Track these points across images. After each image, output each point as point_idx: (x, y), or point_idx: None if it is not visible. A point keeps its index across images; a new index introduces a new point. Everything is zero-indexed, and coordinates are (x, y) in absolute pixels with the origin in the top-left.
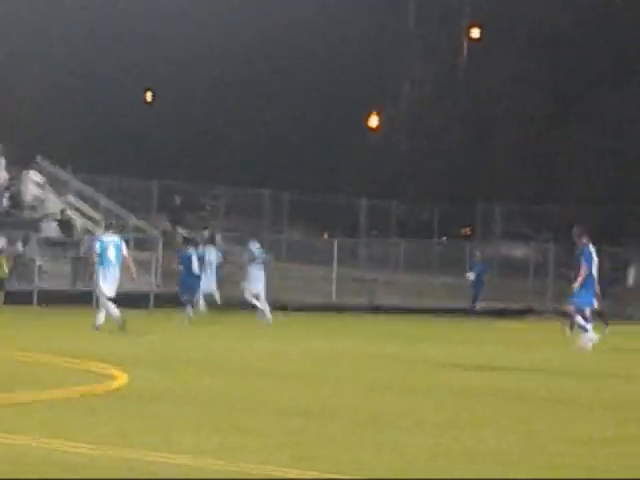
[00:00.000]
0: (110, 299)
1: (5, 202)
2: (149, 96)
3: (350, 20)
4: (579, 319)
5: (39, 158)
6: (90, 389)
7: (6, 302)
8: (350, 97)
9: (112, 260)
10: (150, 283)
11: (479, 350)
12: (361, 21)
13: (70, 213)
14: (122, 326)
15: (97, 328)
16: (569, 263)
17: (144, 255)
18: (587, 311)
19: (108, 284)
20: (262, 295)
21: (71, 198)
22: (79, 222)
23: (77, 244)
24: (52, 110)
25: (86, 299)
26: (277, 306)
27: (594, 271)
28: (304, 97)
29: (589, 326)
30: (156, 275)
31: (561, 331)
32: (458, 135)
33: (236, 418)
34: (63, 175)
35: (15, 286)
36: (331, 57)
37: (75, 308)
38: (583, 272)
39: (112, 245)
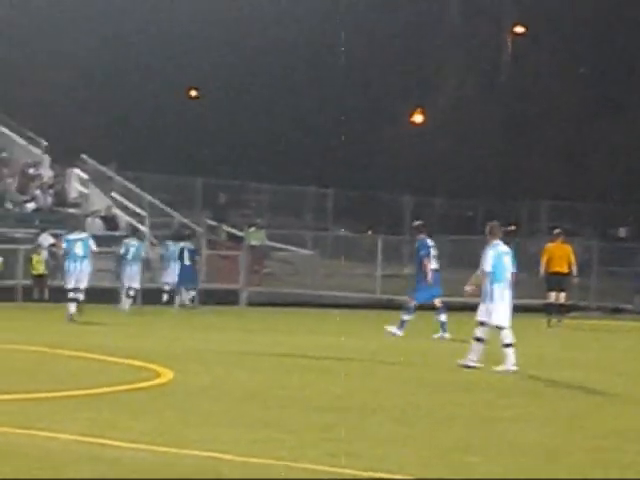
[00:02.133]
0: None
1: (50, 199)
2: (194, 93)
3: (394, 16)
4: (443, 315)
5: (84, 156)
6: (134, 386)
7: (48, 299)
8: (394, 93)
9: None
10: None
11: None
12: (405, 16)
13: (115, 210)
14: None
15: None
16: (613, 260)
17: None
18: (437, 302)
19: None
20: None
21: (116, 195)
22: (124, 219)
23: (121, 241)
24: (96, 108)
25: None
26: (321, 303)
27: (434, 265)
28: (348, 93)
29: (443, 317)
30: (199, 272)
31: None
32: (502, 131)
33: (271, 414)
34: (108, 172)
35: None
36: (374, 53)
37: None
38: (427, 266)
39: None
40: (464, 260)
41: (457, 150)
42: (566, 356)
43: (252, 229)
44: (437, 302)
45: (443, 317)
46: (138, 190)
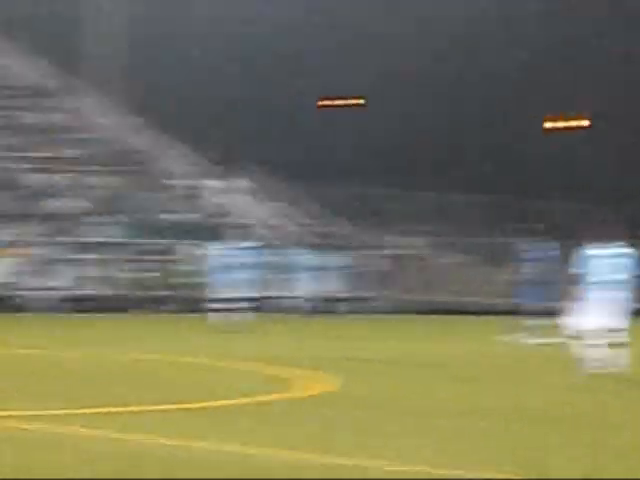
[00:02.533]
0: None
1: (212, 210)
2: (360, 102)
3: (529, 23)
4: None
5: (246, 165)
6: (294, 395)
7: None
8: (531, 101)
9: None
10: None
11: None
12: (540, 25)
13: (279, 220)
14: None
15: None
16: None
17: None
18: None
19: None
20: None
21: (280, 205)
22: (288, 229)
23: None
24: (260, 118)
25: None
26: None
27: None
28: (488, 104)
29: None
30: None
31: None
32: None
33: (420, 421)
34: (271, 182)
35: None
36: (513, 61)
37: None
38: None
39: None
40: None
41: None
42: None
43: None
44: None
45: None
46: (303, 200)
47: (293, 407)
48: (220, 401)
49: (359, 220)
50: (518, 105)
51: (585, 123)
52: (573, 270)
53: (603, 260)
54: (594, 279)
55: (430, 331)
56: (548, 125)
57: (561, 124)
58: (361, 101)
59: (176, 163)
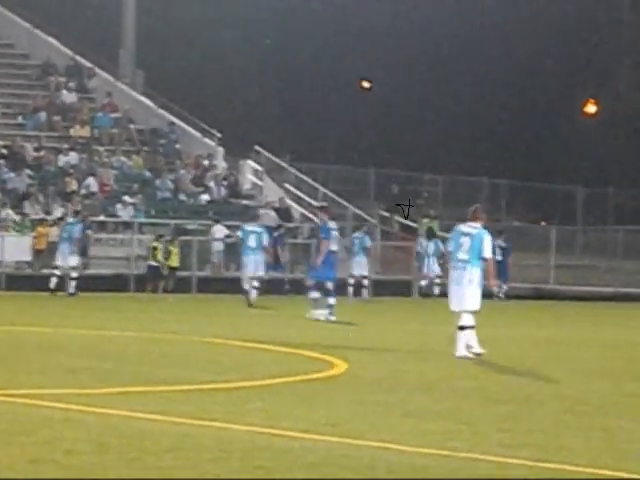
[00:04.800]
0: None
1: (223, 191)
2: (366, 84)
3: (566, 7)
4: (314, 294)
5: (257, 147)
6: (307, 376)
7: (216, 291)
8: (566, 84)
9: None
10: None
11: None
12: (578, 8)
13: (288, 201)
14: None
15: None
16: None
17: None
18: (329, 284)
19: None
20: None
21: (289, 187)
22: (297, 210)
23: (295, 232)
24: (270, 100)
25: (302, 287)
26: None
27: (334, 247)
28: (520, 85)
29: (332, 300)
30: (374, 262)
31: None
32: None
33: (446, 405)
34: (281, 164)
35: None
36: (547, 43)
37: (290, 296)
38: (323, 248)
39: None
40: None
41: (631, 141)
42: None
43: (426, 220)
44: (329, 284)
45: (332, 300)
46: (311, 181)
47: (311, 388)
48: (242, 382)
49: (369, 202)
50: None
51: None
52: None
53: (460, 237)
54: (453, 256)
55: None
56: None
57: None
58: (367, 84)
59: (191, 144)
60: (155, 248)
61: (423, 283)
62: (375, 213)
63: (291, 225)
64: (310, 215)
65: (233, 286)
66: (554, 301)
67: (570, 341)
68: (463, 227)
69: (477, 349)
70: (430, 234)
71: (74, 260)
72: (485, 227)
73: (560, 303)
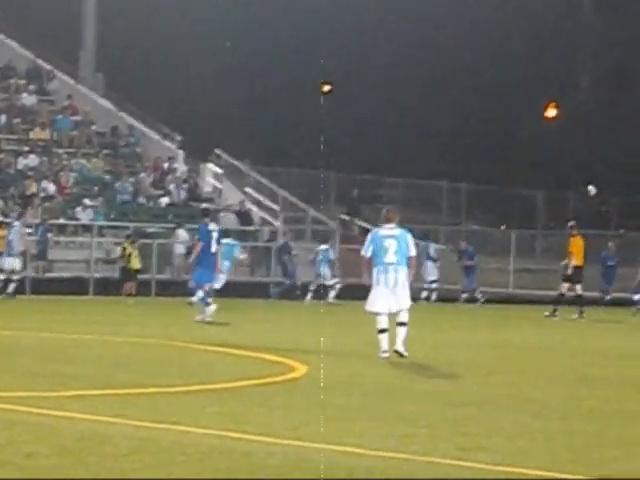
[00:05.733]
0: None
1: (183, 194)
2: (327, 88)
3: (527, 10)
4: (200, 294)
5: (217, 150)
6: (266, 380)
7: (176, 294)
8: (527, 88)
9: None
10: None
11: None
12: (538, 11)
13: (248, 205)
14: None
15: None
16: None
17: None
18: (207, 286)
19: None
20: None
21: (249, 190)
22: (257, 214)
23: (255, 235)
24: (230, 103)
25: (264, 290)
26: (451, 297)
27: (213, 249)
28: (481, 88)
29: (210, 300)
30: (333, 266)
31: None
32: (637, 125)
33: (404, 409)
34: (241, 167)
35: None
36: (507, 47)
37: (253, 299)
38: (197, 250)
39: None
40: (594, 255)
41: (592, 145)
42: None
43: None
44: (206, 287)
45: (194, 299)
46: (271, 185)
47: (271, 392)
48: (202, 385)
49: (329, 205)
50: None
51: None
52: (363, 252)
53: (384, 240)
54: (378, 260)
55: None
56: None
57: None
58: (327, 87)
59: (151, 147)
60: (125, 249)
61: None
62: (335, 216)
63: (251, 228)
64: (270, 219)
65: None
66: (513, 305)
67: (528, 345)
68: (382, 231)
69: (385, 349)
70: None
71: (14, 262)
72: (404, 227)
73: (519, 307)
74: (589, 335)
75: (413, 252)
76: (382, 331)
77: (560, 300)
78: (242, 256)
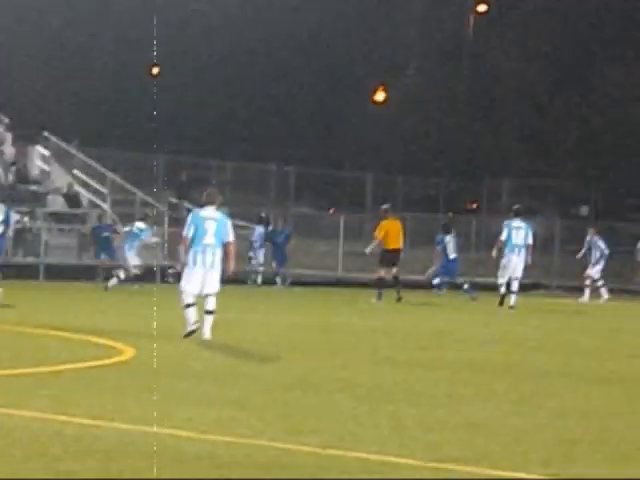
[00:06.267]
0: None
1: (11, 177)
2: (155, 70)
3: None
4: None
5: (45, 133)
6: (95, 363)
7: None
8: (356, 71)
9: None
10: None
11: (485, 325)
12: None
13: (76, 187)
14: None
15: None
16: (575, 239)
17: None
18: None
19: None
20: None
21: (78, 172)
22: (85, 196)
23: (83, 218)
24: (57, 85)
25: (92, 273)
26: (284, 280)
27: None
28: (310, 71)
29: None
30: (163, 250)
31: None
32: (464, 110)
33: (233, 392)
34: (69, 150)
35: (20, 260)
36: (336, 30)
37: (81, 282)
38: None
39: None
40: (425, 238)
41: (419, 129)
42: (529, 335)
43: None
44: None
45: None
46: (100, 167)
47: (99, 375)
48: (30, 368)
49: (157, 188)
50: None
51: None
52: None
53: (205, 222)
54: (196, 240)
55: (254, 302)
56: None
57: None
58: (156, 70)
59: None
60: None
61: None
62: (164, 199)
63: (79, 211)
64: (99, 202)
65: (21, 272)
66: (343, 288)
67: (359, 328)
68: (202, 212)
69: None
70: None
71: None
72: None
73: (348, 290)
74: (413, 317)
75: (231, 237)
76: (189, 305)
77: (380, 284)
78: (154, 239)
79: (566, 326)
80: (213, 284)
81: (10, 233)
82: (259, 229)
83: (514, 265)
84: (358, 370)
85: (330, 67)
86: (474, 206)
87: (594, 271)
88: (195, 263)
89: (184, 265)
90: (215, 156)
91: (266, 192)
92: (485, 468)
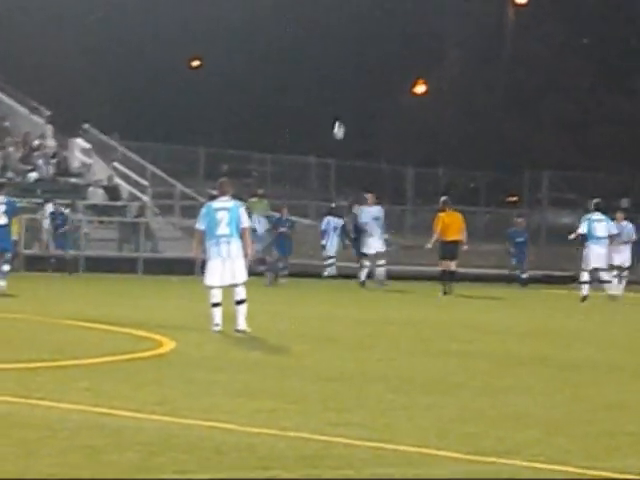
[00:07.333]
0: None
1: (52, 169)
2: (196, 63)
3: None
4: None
5: (86, 125)
6: (135, 355)
7: (46, 269)
8: (396, 64)
9: None
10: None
11: (524, 317)
12: None
13: (117, 180)
14: None
15: None
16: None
17: (191, 222)
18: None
19: None
20: None
21: (118, 165)
22: (126, 189)
23: (123, 211)
24: (100, 77)
25: (132, 265)
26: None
27: (2, 221)
28: (351, 64)
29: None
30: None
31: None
32: (505, 102)
33: (272, 384)
34: (110, 142)
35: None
36: (376, 21)
37: (121, 274)
38: None
39: None
40: (468, 231)
41: (459, 121)
42: (570, 325)
43: (254, 199)
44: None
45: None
46: (140, 160)
47: (139, 367)
48: (69, 361)
49: (198, 181)
50: None
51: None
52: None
53: (217, 213)
54: (210, 233)
55: (294, 294)
56: None
57: None
58: (197, 62)
59: (20, 121)
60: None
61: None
62: (204, 192)
63: (119, 204)
64: (139, 194)
65: (61, 264)
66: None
67: (391, 320)
68: (215, 204)
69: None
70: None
71: None
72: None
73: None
74: (458, 310)
75: (246, 223)
76: (215, 305)
77: (444, 277)
78: None
79: (609, 319)
80: (237, 274)
81: (46, 226)
82: (333, 220)
83: (596, 256)
84: (397, 362)
85: (370, 59)
86: (514, 199)
87: (623, 259)
88: (212, 255)
89: (197, 258)
90: (256, 148)
91: (307, 185)
92: (524, 460)
